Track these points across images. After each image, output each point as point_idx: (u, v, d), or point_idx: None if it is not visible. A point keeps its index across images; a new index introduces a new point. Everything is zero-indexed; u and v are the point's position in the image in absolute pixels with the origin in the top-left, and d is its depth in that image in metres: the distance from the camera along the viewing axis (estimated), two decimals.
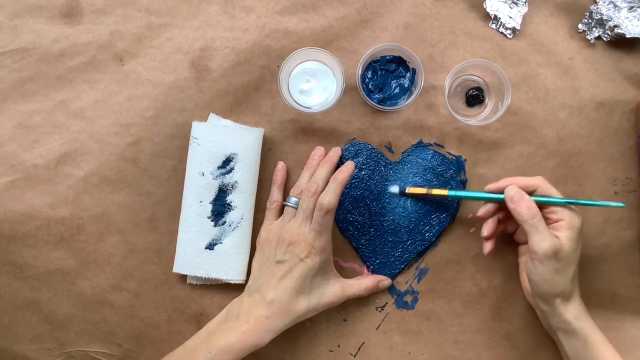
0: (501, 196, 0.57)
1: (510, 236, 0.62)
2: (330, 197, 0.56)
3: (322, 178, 0.58)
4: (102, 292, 0.62)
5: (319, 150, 0.62)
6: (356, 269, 0.64)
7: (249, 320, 0.56)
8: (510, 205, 0.55)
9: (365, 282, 0.61)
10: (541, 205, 0.55)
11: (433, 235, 0.63)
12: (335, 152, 0.61)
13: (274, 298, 0.56)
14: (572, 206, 0.56)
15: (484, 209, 0.59)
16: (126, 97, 0.62)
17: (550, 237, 0.53)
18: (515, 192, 0.55)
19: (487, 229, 0.59)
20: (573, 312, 0.55)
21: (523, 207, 0.54)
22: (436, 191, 0.60)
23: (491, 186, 0.58)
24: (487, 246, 0.59)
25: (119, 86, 0.62)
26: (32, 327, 0.62)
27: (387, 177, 0.63)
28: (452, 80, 0.62)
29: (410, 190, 0.61)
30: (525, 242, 0.60)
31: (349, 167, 0.59)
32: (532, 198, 0.55)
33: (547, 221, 0.55)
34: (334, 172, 0.59)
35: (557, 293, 0.55)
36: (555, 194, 0.56)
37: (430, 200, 0.62)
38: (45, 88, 0.62)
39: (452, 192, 0.60)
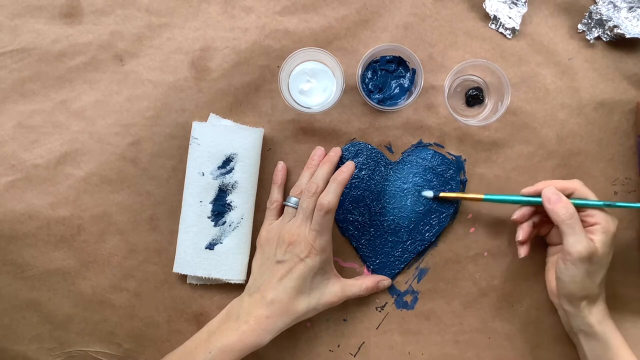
0: (538, 199, 0.57)
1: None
2: (330, 197, 0.56)
3: (322, 178, 0.58)
4: (102, 292, 0.62)
5: (319, 150, 0.62)
6: (356, 268, 0.64)
7: (249, 320, 0.56)
8: (548, 206, 0.55)
9: (365, 282, 0.61)
10: (578, 209, 0.55)
11: (433, 236, 0.63)
12: (336, 152, 0.61)
13: (274, 298, 0.56)
14: (608, 211, 0.56)
15: (519, 212, 0.58)
16: (126, 97, 0.62)
17: (587, 240, 0.53)
18: (553, 192, 0.55)
19: (522, 233, 0.58)
20: (597, 316, 0.56)
21: (561, 208, 0.54)
22: (471, 195, 0.60)
23: (528, 189, 0.58)
24: (523, 250, 0.59)
25: (119, 86, 0.63)
26: (32, 327, 0.62)
27: (387, 177, 0.63)
28: (452, 81, 0.62)
29: (444, 195, 0.61)
30: (557, 244, 0.60)
31: (349, 167, 0.59)
32: (571, 200, 0.55)
33: (583, 224, 0.55)
34: (335, 172, 0.59)
35: (584, 295, 0.55)
36: (592, 198, 0.56)
37: (431, 200, 0.62)
38: (45, 88, 0.62)
39: (488, 196, 0.59)
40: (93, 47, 0.62)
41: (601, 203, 0.56)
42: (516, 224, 0.59)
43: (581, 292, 0.55)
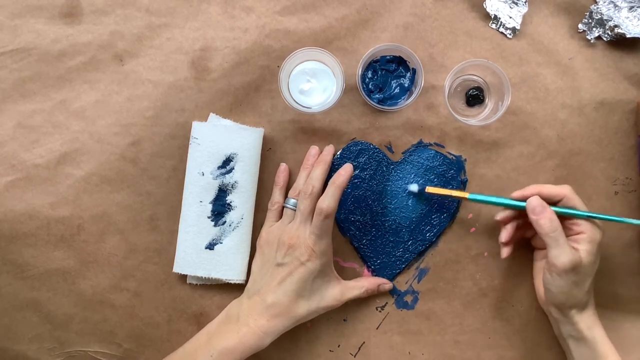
0: (523, 204, 0.56)
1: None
2: (329, 200, 0.56)
3: (318, 178, 0.58)
4: (102, 292, 0.62)
5: (313, 150, 0.62)
6: (356, 269, 0.64)
7: (249, 323, 0.56)
8: (532, 217, 0.55)
9: (365, 284, 0.61)
10: (564, 217, 0.55)
11: (434, 235, 0.63)
12: (329, 151, 0.61)
13: (274, 301, 0.56)
14: (595, 220, 0.56)
15: (503, 214, 0.59)
16: (126, 97, 0.62)
17: (570, 252, 0.53)
18: (538, 203, 0.55)
19: (505, 234, 0.58)
20: (587, 322, 0.56)
21: (545, 220, 0.54)
22: (456, 193, 0.60)
23: (517, 193, 0.57)
24: (505, 251, 0.59)
25: (119, 86, 0.63)
26: (32, 327, 0.62)
27: (389, 177, 0.63)
28: (452, 80, 0.62)
29: (429, 190, 0.61)
30: (543, 248, 0.60)
31: (347, 169, 0.58)
32: (555, 209, 0.55)
33: (568, 232, 0.55)
34: (329, 171, 0.59)
35: (573, 304, 0.55)
36: (581, 206, 0.56)
37: (432, 199, 0.62)
38: (45, 88, 0.62)
39: (473, 196, 0.59)
40: (93, 47, 0.62)
41: (586, 214, 0.55)
42: (500, 225, 0.59)
43: (570, 301, 0.55)
